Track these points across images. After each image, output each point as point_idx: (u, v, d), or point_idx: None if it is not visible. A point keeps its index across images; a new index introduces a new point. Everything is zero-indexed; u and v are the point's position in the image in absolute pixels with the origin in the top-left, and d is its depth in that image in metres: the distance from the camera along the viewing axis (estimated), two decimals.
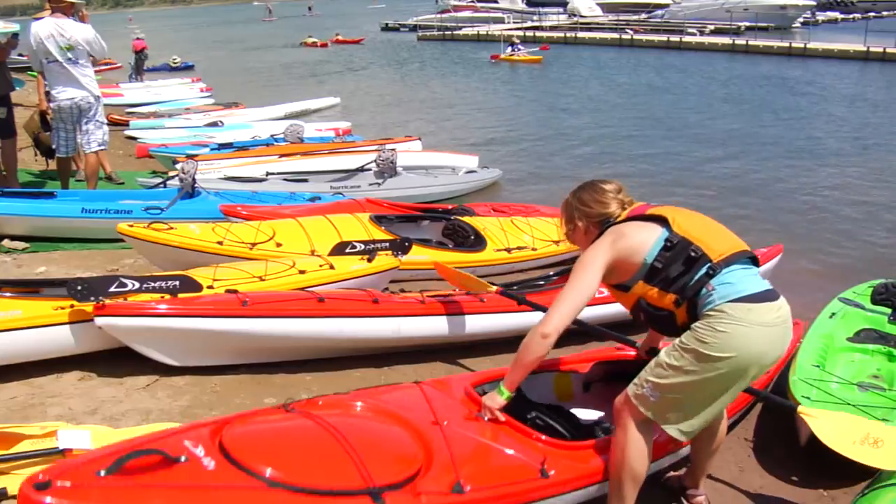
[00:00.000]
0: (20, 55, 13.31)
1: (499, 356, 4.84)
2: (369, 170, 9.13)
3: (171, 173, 8.77)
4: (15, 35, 8.51)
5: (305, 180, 8.94)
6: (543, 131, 15.91)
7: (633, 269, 2.91)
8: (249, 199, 7.45)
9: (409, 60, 34.69)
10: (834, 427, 3.27)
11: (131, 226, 5.60)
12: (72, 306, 4.27)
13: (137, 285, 4.58)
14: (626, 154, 13.26)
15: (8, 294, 4.36)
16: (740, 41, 35.87)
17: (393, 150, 9.21)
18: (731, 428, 3.50)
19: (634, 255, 2.90)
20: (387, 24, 57.91)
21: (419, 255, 6.06)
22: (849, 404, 3.65)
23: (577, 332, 4.66)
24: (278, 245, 5.81)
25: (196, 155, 9.45)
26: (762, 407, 4.28)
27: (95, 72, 8.60)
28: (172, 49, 34.07)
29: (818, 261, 7.50)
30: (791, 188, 10.51)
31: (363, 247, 5.98)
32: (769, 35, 38.17)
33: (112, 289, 4.48)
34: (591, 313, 4.62)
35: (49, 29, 7.72)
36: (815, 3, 46.68)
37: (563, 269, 5.58)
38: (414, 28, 51.99)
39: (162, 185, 8.53)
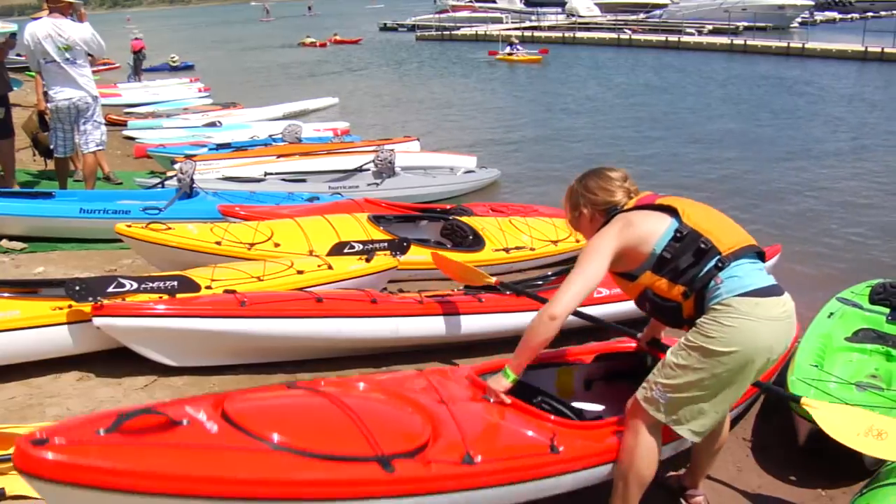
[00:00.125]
0: (18, 55, 13.30)
1: (497, 356, 4.83)
2: (367, 170, 9.13)
3: (170, 173, 8.76)
4: (13, 35, 8.51)
5: (304, 180, 8.93)
6: (542, 131, 15.92)
7: (641, 258, 2.90)
8: (248, 200, 7.45)
9: (407, 60, 34.69)
10: (838, 419, 3.26)
11: (129, 226, 5.59)
12: (70, 307, 4.26)
13: (135, 285, 4.58)
14: (624, 154, 13.25)
15: (6, 294, 4.36)
16: (738, 41, 35.93)
17: (391, 150, 9.22)
18: (730, 427, 3.50)
19: (643, 243, 2.88)
20: (385, 24, 57.95)
21: (417, 256, 6.06)
22: (847, 404, 3.64)
23: (577, 331, 4.68)
24: (276, 245, 5.80)
25: (194, 155, 9.43)
26: (760, 407, 4.29)
27: (94, 72, 8.60)
28: (170, 49, 34.02)
29: (816, 261, 7.50)
30: (789, 188, 10.52)
31: (361, 247, 5.98)
32: (767, 35, 38.24)
33: (110, 289, 4.48)
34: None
35: (47, 29, 7.70)
36: (813, 3, 46.77)
37: (561, 269, 5.58)
38: (412, 28, 52.01)
39: (160, 186, 8.52)
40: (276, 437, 2.31)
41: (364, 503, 2.40)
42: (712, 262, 2.81)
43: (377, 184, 8.97)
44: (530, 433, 2.88)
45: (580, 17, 50.11)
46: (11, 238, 6.96)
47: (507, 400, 2.97)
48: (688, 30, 41.73)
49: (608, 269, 2.92)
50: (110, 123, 12.75)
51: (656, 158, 12.74)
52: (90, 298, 4.26)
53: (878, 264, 7.24)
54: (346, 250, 5.90)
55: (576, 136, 15.13)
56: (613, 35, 41.59)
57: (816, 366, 4.11)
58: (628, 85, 23.92)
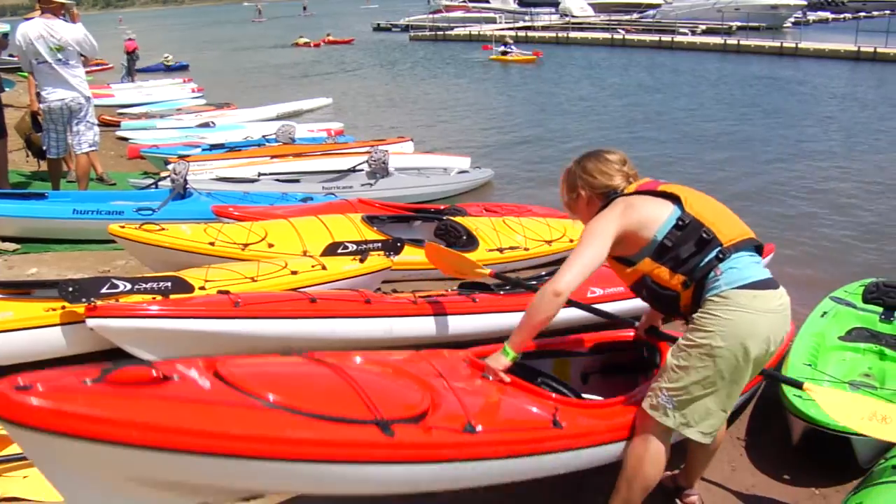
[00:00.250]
0: (10, 56, 13.26)
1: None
2: (361, 170, 9.12)
3: (163, 174, 8.74)
4: (5, 35, 8.49)
5: (297, 181, 8.92)
6: (535, 131, 15.92)
7: (641, 243, 2.88)
8: (241, 200, 7.44)
9: (401, 61, 34.68)
10: (841, 404, 3.25)
11: (123, 227, 5.57)
12: (63, 308, 4.25)
13: (129, 286, 4.56)
14: None
15: None
16: (732, 41, 36.01)
17: (385, 150, 9.21)
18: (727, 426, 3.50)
19: (644, 228, 2.86)
20: (379, 25, 57.91)
21: (411, 256, 6.06)
22: None
23: (574, 329, 4.67)
24: (270, 246, 5.79)
25: (188, 156, 9.42)
26: (754, 406, 4.29)
27: (87, 73, 8.57)
28: (164, 49, 33.94)
29: (809, 260, 7.51)
30: (782, 187, 10.54)
31: (355, 247, 5.97)
32: (760, 35, 38.39)
33: (104, 290, 4.46)
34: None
35: (39, 29, 7.68)
36: (805, 3, 46.86)
37: (555, 269, 5.56)
38: (406, 28, 51.99)
39: (153, 186, 8.50)
40: (271, 396, 2.19)
41: (362, 467, 2.30)
42: (713, 253, 2.80)
43: (371, 184, 8.97)
44: (532, 408, 2.81)
45: (574, 17, 50.19)
46: (4, 239, 6.94)
47: (507, 378, 2.89)
48: (681, 30, 41.78)
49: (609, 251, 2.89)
50: (103, 124, 12.73)
51: (648, 158, 12.71)
52: (83, 299, 4.25)
53: (871, 263, 7.27)
54: (339, 251, 5.89)
55: (569, 137, 15.14)
56: (607, 35, 41.61)
57: (810, 364, 4.12)
58: (622, 85, 23.95)
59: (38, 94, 8.27)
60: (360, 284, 5.11)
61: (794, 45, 32.69)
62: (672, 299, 2.90)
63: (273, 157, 9.88)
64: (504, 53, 32.26)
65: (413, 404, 2.49)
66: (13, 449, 3.09)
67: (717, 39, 37.15)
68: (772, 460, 3.85)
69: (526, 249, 6.60)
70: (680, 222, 2.85)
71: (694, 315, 2.81)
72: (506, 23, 50.66)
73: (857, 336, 4.56)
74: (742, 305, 2.72)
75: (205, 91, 20.19)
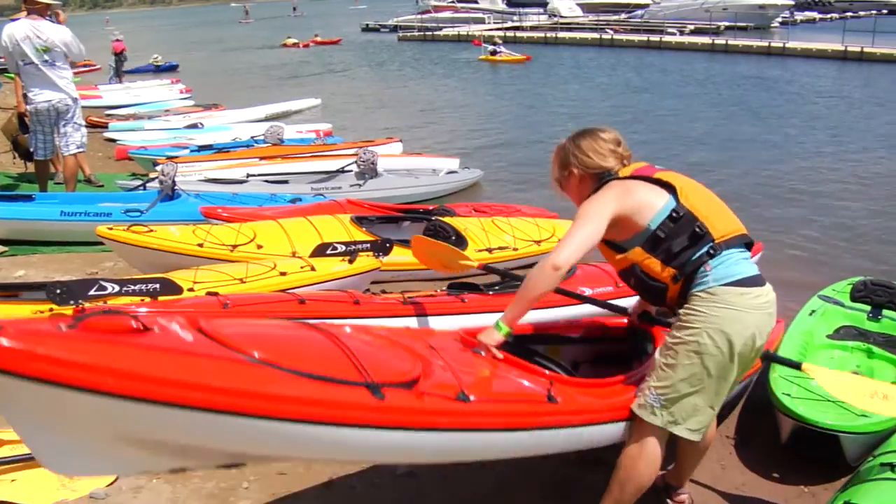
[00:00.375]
0: None
1: None
2: (350, 171, 9.12)
3: (151, 175, 8.72)
4: None
5: (286, 182, 8.91)
6: (524, 132, 15.94)
7: (634, 229, 2.87)
8: (230, 201, 7.43)
9: (389, 61, 34.68)
10: (842, 383, 3.23)
11: (111, 228, 5.56)
12: (51, 310, 4.21)
13: (117, 288, 4.54)
14: None
15: None
16: (720, 41, 36.13)
17: (373, 151, 9.20)
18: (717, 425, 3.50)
19: (638, 214, 2.85)
20: (367, 25, 57.85)
21: (400, 256, 6.05)
22: (829, 401, 3.66)
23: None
24: (259, 247, 5.78)
25: (176, 157, 9.41)
26: (743, 405, 4.30)
27: (74, 74, 8.54)
28: (152, 50, 33.83)
29: (797, 259, 7.55)
30: (769, 186, 10.58)
31: (344, 248, 5.96)
32: (748, 35, 38.54)
33: (91, 292, 4.44)
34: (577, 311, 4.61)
35: (25, 30, 7.64)
36: (793, 3, 47.04)
37: None
38: (394, 29, 51.95)
39: (142, 188, 8.46)
40: (256, 352, 2.06)
41: (351, 430, 2.16)
42: (705, 249, 2.80)
43: (360, 185, 8.96)
44: (527, 383, 2.73)
45: (562, 17, 50.21)
46: None
47: (500, 355, 2.81)
48: (669, 30, 41.90)
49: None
50: (91, 125, 12.67)
51: (636, 159, 12.74)
52: (71, 302, 4.23)
53: (858, 262, 7.30)
54: (328, 251, 5.89)
55: (558, 137, 14.74)
56: (595, 35, 41.67)
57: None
58: (610, 85, 24.00)
59: (24, 96, 8.24)
60: (349, 285, 5.10)
61: (781, 45, 32.84)
62: (660, 291, 2.90)
63: (262, 158, 9.87)
64: (493, 54, 32.28)
65: (405, 371, 2.37)
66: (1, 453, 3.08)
67: (706, 39, 37.25)
68: (761, 459, 3.86)
69: (515, 249, 6.60)
70: (674, 214, 2.83)
71: (681, 311, 2.81)
72: (494, 23, 50.71)
73: (845, 334, 4.58)
74: (728, 302, 2.72)
75: (193, 92, 20.16)
